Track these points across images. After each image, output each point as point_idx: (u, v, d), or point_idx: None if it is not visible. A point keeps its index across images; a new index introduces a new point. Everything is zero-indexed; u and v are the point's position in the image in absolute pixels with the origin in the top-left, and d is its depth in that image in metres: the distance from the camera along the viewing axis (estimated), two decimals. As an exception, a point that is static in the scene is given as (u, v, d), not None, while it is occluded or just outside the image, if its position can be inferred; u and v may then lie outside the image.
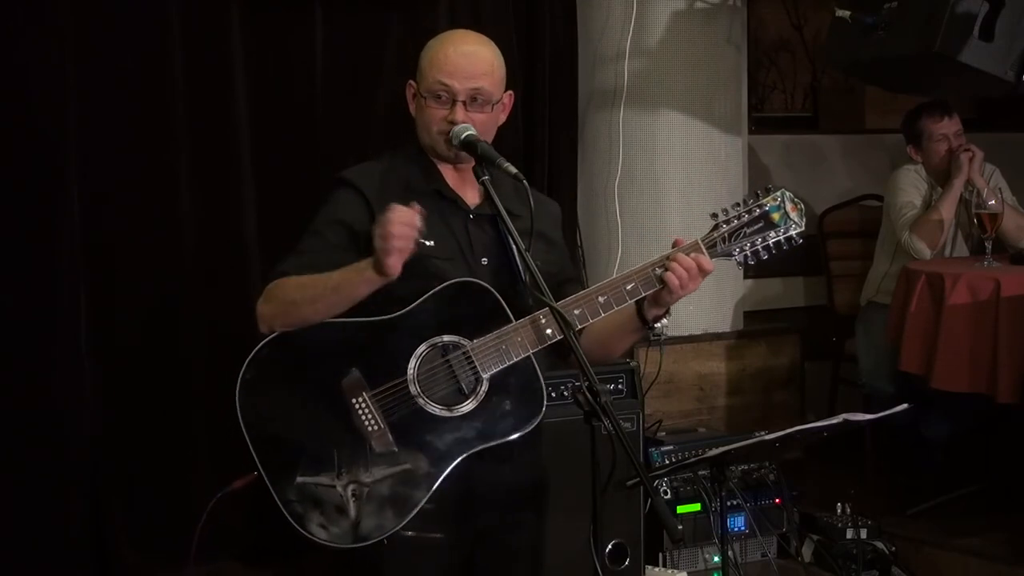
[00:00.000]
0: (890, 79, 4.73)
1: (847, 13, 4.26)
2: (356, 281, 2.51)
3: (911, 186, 5.14)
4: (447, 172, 2.73)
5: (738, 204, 2.69)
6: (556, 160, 5.12)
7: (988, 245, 4.63)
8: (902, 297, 4.63)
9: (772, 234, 2.67)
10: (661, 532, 4.22)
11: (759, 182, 5.70)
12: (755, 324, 5.46)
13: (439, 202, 2.69)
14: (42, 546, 4.06)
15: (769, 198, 2.68)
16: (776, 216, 2.67)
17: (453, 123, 2.64)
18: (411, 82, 2.74)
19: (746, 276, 5.47)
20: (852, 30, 4.28)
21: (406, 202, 2.56)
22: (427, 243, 2.61)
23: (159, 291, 4.35)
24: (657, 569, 4.25)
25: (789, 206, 2.68)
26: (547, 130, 5.10)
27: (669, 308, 2.69)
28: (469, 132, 2.64)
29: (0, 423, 4.03)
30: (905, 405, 3.26)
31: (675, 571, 4.25)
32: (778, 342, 5.34)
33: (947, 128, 5.09)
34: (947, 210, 4.97)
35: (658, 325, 2.74)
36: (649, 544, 4.22)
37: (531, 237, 2.57)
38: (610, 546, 4.08)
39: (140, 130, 4.28)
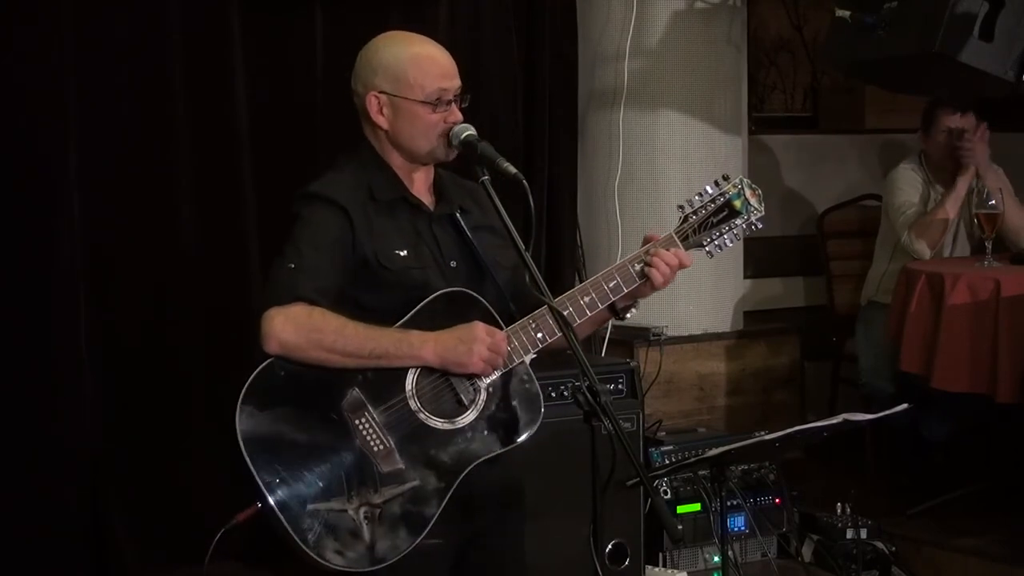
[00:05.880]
0: (890, 79, 4.73)
1: (847, 13, 4.26)
2: (405, 359, 2.52)
3: (909, 185, 5.13)
4: (406, 176, 2.71)
5: (700, 194, 2.75)
6: (556, 160, 5.12)
7: (988, 245, 4.63)
8: (902, 297, 4.62)
9: (737, 222, 2.74)
10: (661, 532, 4.22)
11: (759, 182, 5.67)
12: (755, 324, 5.45)
13: (406, 209, 2.68)
14: (42, 546, 4.06)
15: (730, 185, 2.75)
16: (738, 204, 2.74)
17: (455, 123, 2.64)
18: (378, 94, 2.66)
19: (746, 276, 5.47)
20: (852, 30, 4.28)
21: (377, 212, 2.59)
22: (401, 253, 2.61)
23: (159, 294, 4.34)
24: (657, 569, 4.25)
25: (748, 192, 2.76)
26: (547, 130, 5.09)
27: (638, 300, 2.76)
28: (469, 132, 2.64)
29: (0, 425, 4.03)
30: (905, 405, 3.26)
31: (675, 571, 4.25)
32: (778, 342, 5.34)
33: (956, 123, 5.05)
34: (951, 210, 4.95)
35: (629, 315, 2.80)
36: (649, 544, 4.22)
37: (532, 238, 2.57)
38: (610, 546, 4.08)
39: (140, 132, 4.28)
